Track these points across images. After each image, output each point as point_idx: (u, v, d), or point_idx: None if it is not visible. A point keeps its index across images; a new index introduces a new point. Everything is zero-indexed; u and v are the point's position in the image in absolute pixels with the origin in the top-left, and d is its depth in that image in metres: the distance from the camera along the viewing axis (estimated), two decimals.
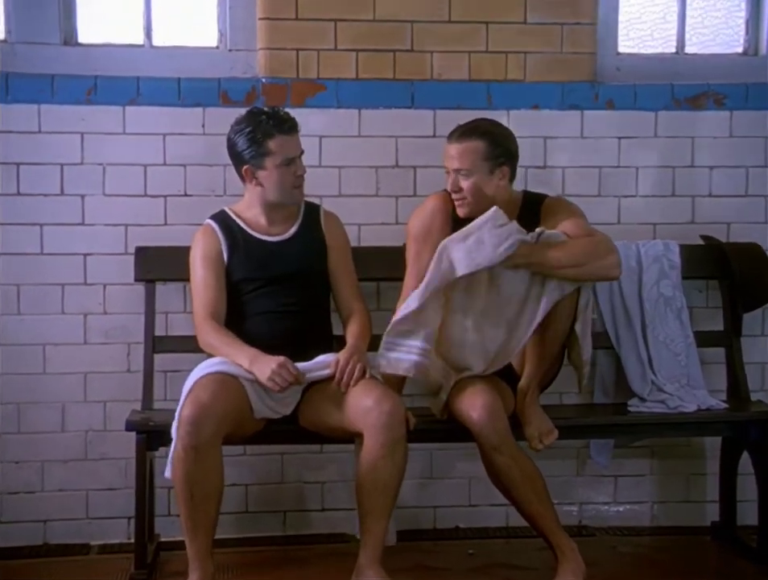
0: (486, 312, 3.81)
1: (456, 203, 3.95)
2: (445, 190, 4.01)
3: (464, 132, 3.91)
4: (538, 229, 3.80)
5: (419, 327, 3.77)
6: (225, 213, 4.05)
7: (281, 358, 3.72)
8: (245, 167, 3.93)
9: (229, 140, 3.96)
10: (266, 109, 3.97)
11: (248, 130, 3.89)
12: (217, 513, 3.65)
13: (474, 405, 3.75)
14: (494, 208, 3.77)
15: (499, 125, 4.02)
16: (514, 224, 3.77)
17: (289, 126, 3.91)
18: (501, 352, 3.86)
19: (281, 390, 3.72)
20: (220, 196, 4.36)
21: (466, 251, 3.71)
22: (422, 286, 3.75)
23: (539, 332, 3.82)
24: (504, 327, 3.82)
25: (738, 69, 4.66)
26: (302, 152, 3.96)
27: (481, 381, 3.85)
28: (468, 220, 3.91)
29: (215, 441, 3.60)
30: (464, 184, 3.91)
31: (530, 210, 3.99)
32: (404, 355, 3.78)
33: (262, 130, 3.87)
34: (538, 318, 3.78)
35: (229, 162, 4.01)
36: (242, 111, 4.00)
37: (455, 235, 3.76)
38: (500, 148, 3.91)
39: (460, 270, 3.71)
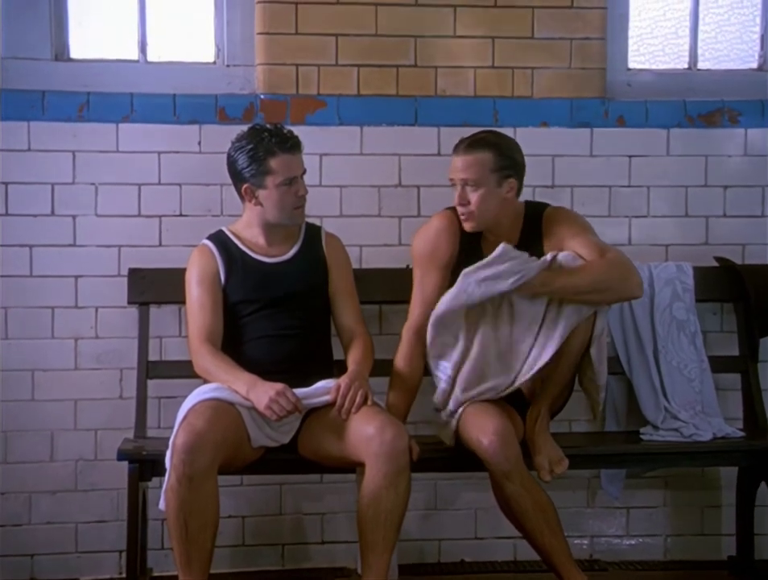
0: (508, 344, 3.76)
1: (462, 217, 3.88)
2: (450, 208, 3.94)
3: (471, 143, 3.85)
4: (549, 255, 3.74)
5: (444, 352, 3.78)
6: (222, 233, 4.00)
7: (279, 386, 3.65)
8: (244, 185, 3.87)
9: (228, 157, 3.90)
10: (268, 126, 3.91)
11: (249, 147, 3.83)
12: (213, 546, 3.56)
13: (485, 431, 3.66)
14: (502, 244, 3.72)
15: (505, 136, 3.95)
16: (525, 255, 3.72)
17: (292, 145, 3.85)
18: (517, 378, 3.79)
19: (279, 419, 3.65)
20: (217, 216, 4.32)
21: (478, 283, 3.66)
22: (434, 315, 3.75)
23: (552, 357, 3.74)
24: (523, 355, 3.75)
25: (753, 85, 4.59)
26: (304, 172, 3.91)
27: (491, 406, 3.77)
28: (475, 235, 3.88)
29: (210, 471, 3.51)
30: (472, 196, 3.83)
31: (532, 221, 3.93)
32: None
33: (264, 148, 3.81)
34: (556, 343, 3.70)
35: (227, 181, 3.96)
36: (240, 129, 3.96)
37: (470, 268, 3.70)
38: (508, 160, 3.85)
39: (472, 299, 3.67)
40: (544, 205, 3.98)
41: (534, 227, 3.90)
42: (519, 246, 3.80)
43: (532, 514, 3.67)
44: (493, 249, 3.74)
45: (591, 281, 3.69)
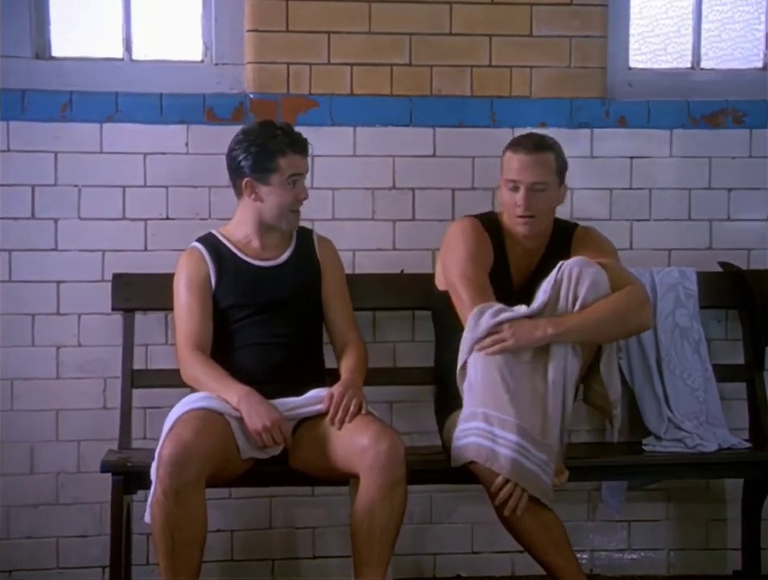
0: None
1: (521, 220, 3.83)
2: (470, 216, 3.91)
3: (537, 143, 3.85)
4: (554, 271, 3.65)
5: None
6: (212, 235, 3.95)
7: (276, 415, 3.60)
8: (245, 180, 3.82)
9: (233, 150, 3.85)
10: (280, 124, 3.90)
11: (259, 141, 3.80)
12: (200, 561, 3.50)
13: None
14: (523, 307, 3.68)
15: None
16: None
17: (302, 147, 3.85)
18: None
19: (264, 446, 3.61)
20: (205, 219, 4.26)
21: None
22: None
23: None
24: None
25: (758, 85, 4.54)
26: (306, 172, 3.90)
27: None
28: (500, 245, 3.85)
29: (198, 483, 3.44)
30: (539, 199, 3.81)
31: (561, 238, 3.93)
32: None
33: (276, 146, 3.79)
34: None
35: (215, 183, 3.99)
36: (229, 129, 3.98)
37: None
38: (564, 163, 3.90)
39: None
40: (574, 224, 4.00)
41: (562, 244, 3.90)
42: (544, 260, 3.81)
43: (535, 534, 3.59)
44: (519, 260, 3.82)
45: (598, 323, 3.63)
